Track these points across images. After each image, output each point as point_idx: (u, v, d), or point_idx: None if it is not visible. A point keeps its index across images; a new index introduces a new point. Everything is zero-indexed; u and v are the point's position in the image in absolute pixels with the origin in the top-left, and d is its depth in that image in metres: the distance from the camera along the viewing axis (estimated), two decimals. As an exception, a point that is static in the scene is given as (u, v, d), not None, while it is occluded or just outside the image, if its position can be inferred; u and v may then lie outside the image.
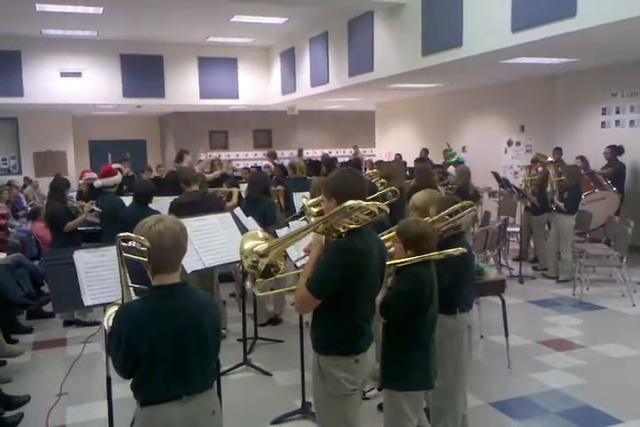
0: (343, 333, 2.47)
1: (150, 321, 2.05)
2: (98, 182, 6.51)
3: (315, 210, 2.65)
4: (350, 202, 2.32)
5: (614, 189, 8.39)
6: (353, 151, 16.88)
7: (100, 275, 2.97)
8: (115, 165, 9.40)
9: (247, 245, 2.45)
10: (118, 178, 6.50)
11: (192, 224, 3.72)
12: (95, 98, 12.98)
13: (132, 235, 2.11)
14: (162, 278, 2.12)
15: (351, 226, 2.39)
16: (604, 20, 5.43)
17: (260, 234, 2.54)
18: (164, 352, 2.06)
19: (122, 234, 2.22)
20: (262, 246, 2.41)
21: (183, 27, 11.49)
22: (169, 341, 2.07)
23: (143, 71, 13.07)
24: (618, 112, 9.33)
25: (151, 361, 2.06)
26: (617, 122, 9.36)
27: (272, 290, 5.80)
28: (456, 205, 3.19)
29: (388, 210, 2.47)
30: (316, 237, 2.48)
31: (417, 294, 2.65)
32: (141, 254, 2.10)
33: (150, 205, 5.30)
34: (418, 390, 2.76)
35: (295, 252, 4.36)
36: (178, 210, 4.76)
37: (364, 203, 2.35)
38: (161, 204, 5.41)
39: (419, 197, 3.36)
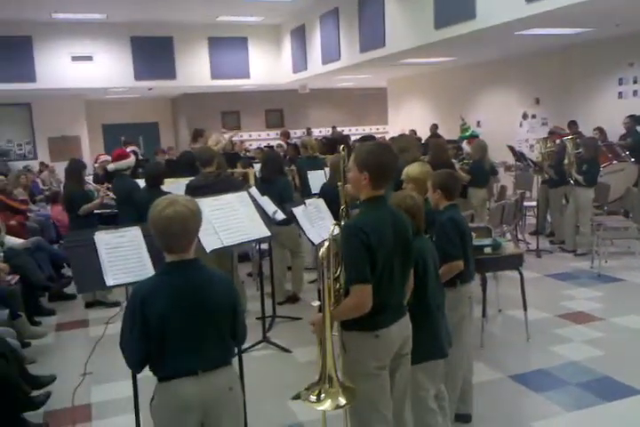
0: None
1: (159, 294, 2.09)
2: (111, 166, 6.56)
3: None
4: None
5: (632, 160, 8.27)
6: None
7: (120, 255, 3.00)
8: (129, 148, 9.44)
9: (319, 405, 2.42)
10: (131, 161, 6.50)
11: (210, 204, 3.73)
12: (107, 81, 12.98)
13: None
14: (173, 257, 2.16)
15: None
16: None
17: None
18: (174, 325, 2.09)
19: None
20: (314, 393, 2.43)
21: (192, 7, 11.38)
22: (178, 313, 2.10)
23: (154, 53, 13.03)
24: (635, 82, 9.14)
25: (163, 335, 2.09)
26: (634, 92, 9.17)
27: (290, 269, 5.91)
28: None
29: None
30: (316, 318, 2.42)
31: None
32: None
33: (164, 188, 5.30)
34: (432, 359, 2.77)
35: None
36: (193, 193, 4.75)
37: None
38: (176, 186, 5.40)
39: (413, 169, 3.39)
